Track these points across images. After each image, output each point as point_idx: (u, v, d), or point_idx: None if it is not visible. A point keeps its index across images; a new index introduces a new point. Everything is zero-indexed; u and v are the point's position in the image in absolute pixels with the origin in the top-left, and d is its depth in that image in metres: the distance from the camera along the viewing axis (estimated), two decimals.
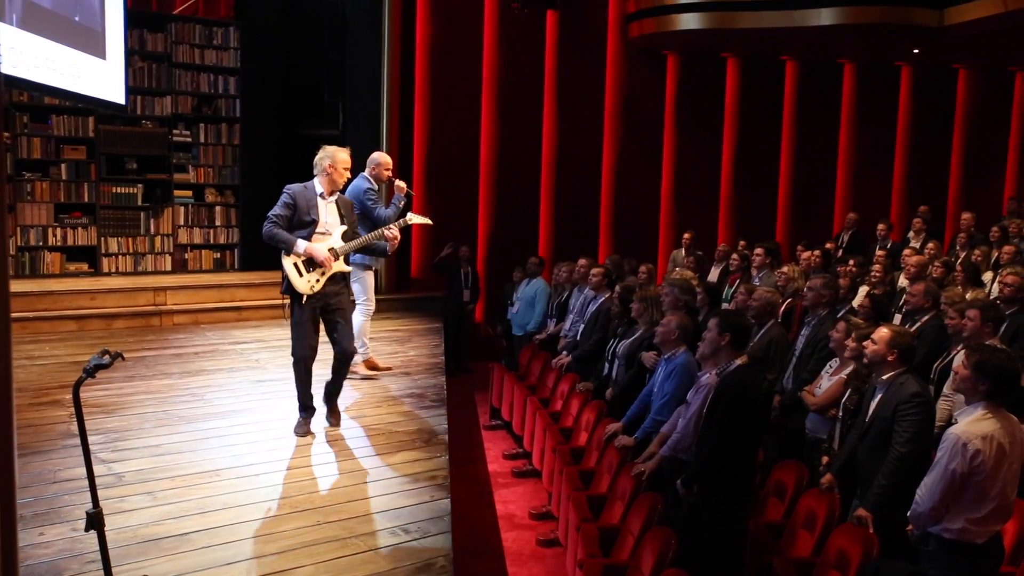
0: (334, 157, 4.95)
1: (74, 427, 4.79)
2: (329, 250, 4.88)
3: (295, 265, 4.82)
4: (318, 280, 4.86)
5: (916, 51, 11.38)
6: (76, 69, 7.22)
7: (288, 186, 4.95)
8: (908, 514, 3.46)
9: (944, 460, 3.26)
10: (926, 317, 5.59)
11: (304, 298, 4.83)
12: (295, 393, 5.01)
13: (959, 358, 4.11)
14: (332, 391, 5.19)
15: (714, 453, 4.06)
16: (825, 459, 4.49)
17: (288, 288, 4.86)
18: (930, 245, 8.25)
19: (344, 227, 5.03)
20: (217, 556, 3.44)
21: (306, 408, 5.03)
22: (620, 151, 11.65)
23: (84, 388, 2.66)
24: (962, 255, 8.33)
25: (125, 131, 9.00)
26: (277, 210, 4.85)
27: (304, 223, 4.90)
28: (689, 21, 10.29)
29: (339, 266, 4.96)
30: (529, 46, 11.10)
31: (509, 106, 11.06)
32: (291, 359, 4.94)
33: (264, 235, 4.82)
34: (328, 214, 4.97)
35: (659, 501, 4.25)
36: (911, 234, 9.52)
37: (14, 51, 6.21)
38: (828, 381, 4.93)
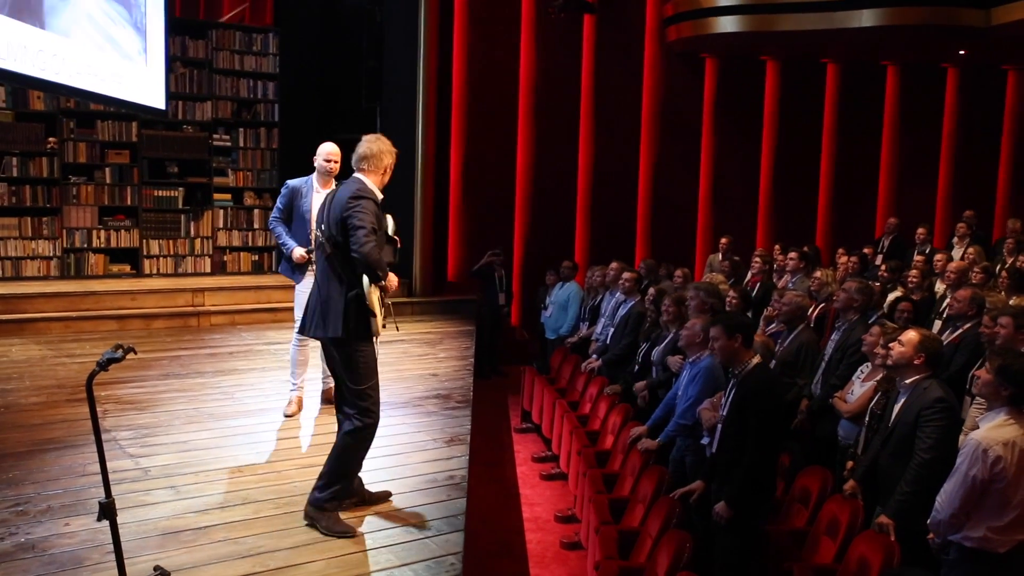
0: (391, 152, 3.82)
1: (108, 422, 4.93)
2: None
3: (380, 300, 3.64)
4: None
5: (962, 52, 11.13)
6: (118, 76, 7.45)
7: (364, 185, 3.66)
8: (928, 522, 3.38)
9: (964, 466, 3.18)
10: (968, 324, 5.41)
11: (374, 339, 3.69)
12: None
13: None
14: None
15: (754, 465, 4.00)
16: (850, 464, 4.42)
17: (359, 330, 3.61)
18: (971, 250, 8.04)
19: None
20: (232, 549, 3.50)
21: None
22: (658, 155, 11.59)
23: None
24: (1009, 261, 8.10)
25: (167, 136, 9.20)
26: (368, 221, 3.50)
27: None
28: (727, 24, 10.20)
29: None
30: (566, 51, 11.10)
31: (546, 111, 11.07)
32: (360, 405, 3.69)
33: (364, 255, 3.45)
34: None
35: (678, 504, 4.22)
36: (955, 239, 9.29)
37: (56, 58, 6.43)
38: (860, 387, 4.83)
